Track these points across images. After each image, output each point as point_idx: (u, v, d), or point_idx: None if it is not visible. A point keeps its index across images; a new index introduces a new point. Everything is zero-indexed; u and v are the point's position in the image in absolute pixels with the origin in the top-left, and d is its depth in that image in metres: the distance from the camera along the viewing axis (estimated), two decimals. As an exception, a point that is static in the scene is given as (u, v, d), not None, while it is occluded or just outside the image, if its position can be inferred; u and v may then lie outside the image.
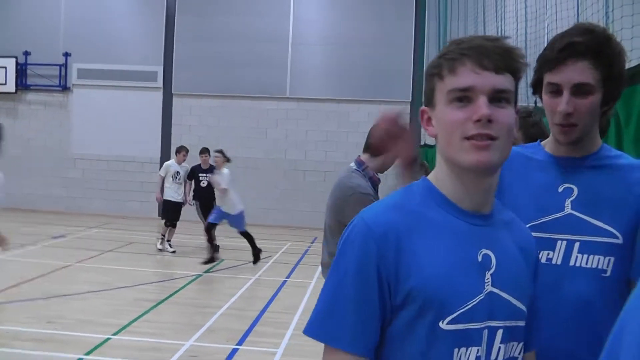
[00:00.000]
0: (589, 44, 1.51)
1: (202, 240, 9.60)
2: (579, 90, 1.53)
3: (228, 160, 9.43)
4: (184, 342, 5.37)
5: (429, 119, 1.23)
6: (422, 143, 10.61)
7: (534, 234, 1.40)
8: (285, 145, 14.53)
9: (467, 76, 1.13)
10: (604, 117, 1.67)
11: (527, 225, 1.42)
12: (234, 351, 5.25)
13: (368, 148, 3.23)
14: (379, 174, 3.25)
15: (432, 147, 11.37)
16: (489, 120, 1.11)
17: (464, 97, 1.14)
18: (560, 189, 1.63)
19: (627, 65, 1.68)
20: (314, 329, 1.18)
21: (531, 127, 2.61)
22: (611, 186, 1.59)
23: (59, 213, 15.02)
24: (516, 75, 1.17)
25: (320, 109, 14.52)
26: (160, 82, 15.21)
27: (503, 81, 1.14)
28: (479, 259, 1.18)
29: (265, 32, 14.62)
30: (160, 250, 10.15)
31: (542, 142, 1.75)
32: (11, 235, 11.38)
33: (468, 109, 1.13)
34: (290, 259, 10.03)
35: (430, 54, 12.93)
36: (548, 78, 1.58)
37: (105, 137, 15.27)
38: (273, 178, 14.43)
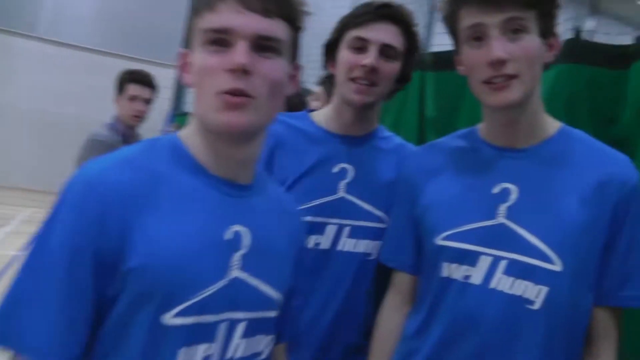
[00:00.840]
0: (401, 12, 1.51)
1: None
2: (386, 52, 1.48)
3: None
4: None
5: (187, 64, 1.02)
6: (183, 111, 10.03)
7: (304, 217, 1.32)
8: (40, 94, 12.59)
9: (227, 15, 0.94)
10: (390, 95, 1.58)
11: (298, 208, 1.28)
12: None
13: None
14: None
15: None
16: (245, 71, 0.92)
17: (220, 39, 0.94)
18: (335, 169, 1.53)
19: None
20: None
21: (294, 96, 2.42)
22: (386, 169, 1.56)
23: None
24: (293, 23, 1.00)
25: (84, 60, 12.79)
26: None
27: (271, 27, 0.96)
28: (227, 236, 0.98)
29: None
30: None
31: (312, 114, 1.66)
32: None
33: (224, 54, 0.94)
34: (27, 228, 8.73)
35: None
36: (354, 33, 1.49)
37: None
38: (23, 133, 12.45)
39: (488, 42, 1.14)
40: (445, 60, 2.42)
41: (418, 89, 2.72)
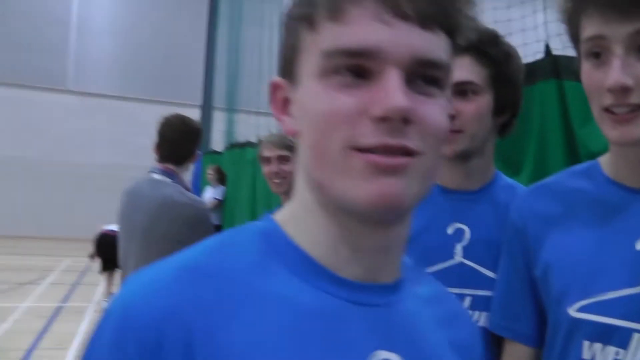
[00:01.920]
0: (471, 40, 1.31)
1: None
2: (462, 90, 1.27)
3: None
4: None
5: (286, 101, 0.67)
6: (210, 149, 10.40)
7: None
8: (66, 145, 13.23)
9: (367, 27, 0.58)
10: (502, 132, 1.38)
11: None
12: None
13: (175, 156, 2.68)
14: None
15: (220, 154, 11.24)
16: (405, 120, 0.58)
17: (355, 66, 0.59)
18: (449, 230, 1.32)
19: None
20: None
21: None
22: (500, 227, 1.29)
23: None
24: (455, 34, 0.64)
25: (106, 107, 13.47)
26: None
27: (434, 45, 0.60)
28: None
29: (44, 10, 13.12)
30: None
31: None
32: None
33: (364, 91, 0.59)
34: (68, 278, 9.18)
35: (222, 56, 12.79)
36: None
37: None
38: (51, 183, 13.05)
39: (609, 61, 0.90)
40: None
41: (557, 100, 2.32)
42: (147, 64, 13.52)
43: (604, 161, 1.07)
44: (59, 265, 10.02)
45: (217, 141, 12.16)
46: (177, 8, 13.68)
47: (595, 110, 0.95)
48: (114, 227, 6.84)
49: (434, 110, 0.61)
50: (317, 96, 0.61)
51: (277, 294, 0.62)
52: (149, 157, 9.33)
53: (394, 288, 0.69)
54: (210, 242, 0.67)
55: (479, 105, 1.27)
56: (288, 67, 0.66)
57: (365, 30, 0.58)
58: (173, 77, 13.56)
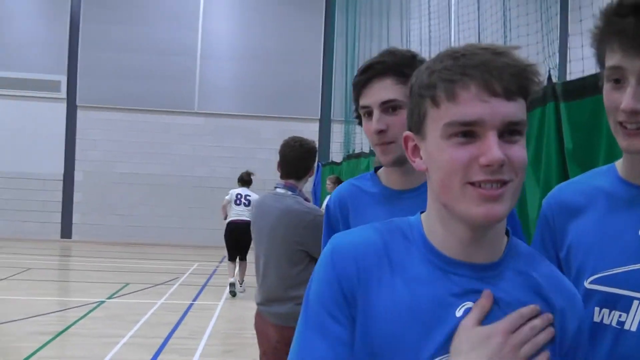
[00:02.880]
0: (389, 63, 1.53)
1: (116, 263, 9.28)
2: (388, 107, 1.52)
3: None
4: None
5: (416, 148, 1.02)
6: (330, 160, 10.77)
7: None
8: (193, 162, 14.31)
9: (473, 105, 0.89)
10: None
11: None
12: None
13: (294, 172, 3.16)
14: None
15: (339, 164, 11.60)
16: (501, 164, 0.89)
17: (467, 131, 0.91)
18: None
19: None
20: None
21: None
22: None
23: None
24: (528, 98, 0.94)
25: (228, 125, 14.42)
26: (63, 93, 14.60)
27: (516, 110, 0.91)
28: (458, 314, 0.96)
29: (173, 45, 14.39)
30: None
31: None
32: None
33: (473, 146, 0.91)
34: (197, 280, 9.89)
35: (338, 70, 13.21)
36: (361, 103, 1.57)
37: (2, 151, 14.46)
38: (181, 196, 14.18)
39: (625, 87, 1.12)
40: (578, 89, 2.44)
41: (554, 121, 2.67)
42: (266, 83, 14.26)
43: (619, 164, 1.29)
44: (187, 269, 10.77)
45: (336, 152, 12.62)
46: (293, 27, 14.36)
47: (612, 123, 1.19)
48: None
49: (518, 150, 0.92)
50: (442, 151, 0.93)
51: (410, 266, 0.99)
52: (269, 171, 9.88)
53: (489, 266, 0.99)
54: (384, 225, 1.06)
55: (403, 118, 1.38)
56: (416, 126, 1.00)
57: (471, 107, 0.89)
58: (292, 93, 14.21)
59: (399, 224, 1.06)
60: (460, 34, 9.57)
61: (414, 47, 9.19)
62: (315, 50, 14.45)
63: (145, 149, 14.37)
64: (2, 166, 14.49)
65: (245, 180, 9.04)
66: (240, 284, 9.00)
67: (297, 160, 3.13)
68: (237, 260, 8.87)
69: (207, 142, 14.41)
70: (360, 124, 1.64)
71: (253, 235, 3.22)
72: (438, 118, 0.93)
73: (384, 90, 1.52)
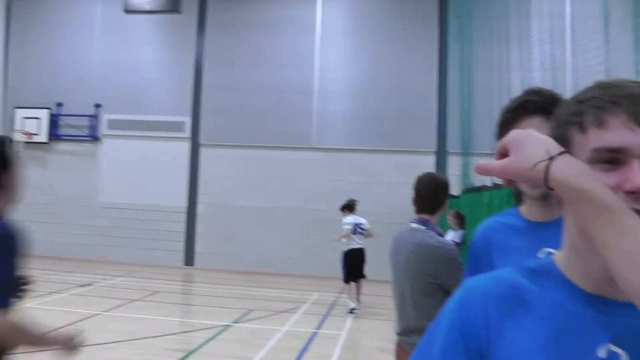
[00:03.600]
0: (538, 102, 1.57)
1: (237, 290, 9.47)
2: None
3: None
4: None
5: None
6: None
7: None
8: (310, 195, 14.47)
9: (621, 133, 0.89)
10: None
11: None
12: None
13: (427, 207, 3.24)
14: None
15: (457, 197, 11.23)
16: None
17: (612, 158, 0.90)
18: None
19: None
20: None
21: None
22: None
23: (85, 261, 15.11)
24: None
25: (345, 159, 14.52)
26: (187, 132, 15.40)
27: None
28: (601, 354, 0.90)
29: (290, 83, 14.83)
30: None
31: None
32: (39, 283, 11.41)
33: (617, 173, 0.89)
34: (319, 309, 9.82)
35: (453, 103, 12.97)
36: None
37: (132, 186, 15.47)
38: (299, 228, 14.35)
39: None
40: None
41: None
42: (381, 117, 14.29)
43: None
44: (309, 298, 10.76)
45: (453, 185, 12.30)
46: (406, 60, 14.38)
47: None
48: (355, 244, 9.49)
49: None
50: None
51: (550, 302, 0.94)
52: (384, 205, 9.96)
53: (628, 305, 0.90)
54: (517, 267, 1.02)
55: None
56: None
57: (619, 135, 0.89)
58: (407, 126, 14.13)
59: (532, 264, 1.02)
60: (583, 61, 9.11)
61: (535, 74, 8.86)
62: (429, 82, 14.33)
63: (264, 183, 14.75)
64: (133, 199, 15.44)
65: (353, 207, 9.86)
66: (358, 302, 9.57)
67: (430, 195, 3.22)
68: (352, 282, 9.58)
69: (324, 176, 14.54)
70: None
71: (391, 267, 3.32)
72: (585, 144, 0.92)
73: (534, 128, 1.40)
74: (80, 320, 8.10)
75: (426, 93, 14.30)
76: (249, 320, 8.77)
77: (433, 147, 14.13)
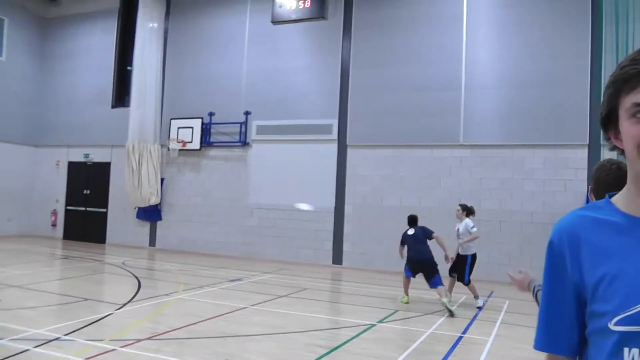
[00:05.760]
0: None
1: (372, 289, 9.29)
2: None
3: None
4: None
5: (617, 133, 1.31)
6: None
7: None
8: (459, 193, 13.85)
9: None
10: None
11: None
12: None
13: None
14: None
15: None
16: None
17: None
18: None
19: None
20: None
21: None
22: None
23: (236, 258, 15.83)
24: None
25: (494, 156, 13.72)
26: (335, 134, 15.50)
27: None
28: None
29: (437, 80, 14.36)
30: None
31: (614, 199, 1.39)
32: (194, 277, 12.09)
33: None
34: (466, 313, 9.29)
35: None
36: (631, 99, 1.24)
37: (281, 187, 15.92)
38: (446, 227, 13.76)
39: None
40: None
41: None
42: (531, 110, 13.35)
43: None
44: (457, 300, 10.25)
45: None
46: (556, 49, 13.26)
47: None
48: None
49: None
50: (628, 129, 1.24)
51: (607, 224, 1.32)
52: (535, 203, 9.27)
53: None
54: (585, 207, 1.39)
55: None
56: (614, 114, 1.31)
57: None
58: (557, 119, 13.06)
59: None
60: None
61: None
62: (581, 70, 13.01)
63: (411, 182, 14.42)
64: (281, 200, 15.89)
65: (473, 212, 10.26)
66: (476, 298, 9.95)
67: (612, 184, 2.71)
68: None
69: (472, 174, 13.88)
70: (605, 129, 1.37)
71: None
72: (627, 101, 1.26)
73: None
74: (229, 313, 8.37)
75: (578, 82, 13.05)
76: (394, 320, 8.52)
77: (585, 140, 12.86)
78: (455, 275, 9.91)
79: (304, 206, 15.58)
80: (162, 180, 17.77)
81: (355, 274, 13.76)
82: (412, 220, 10.55)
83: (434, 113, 14.28)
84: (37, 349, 5.96)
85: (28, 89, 20.21)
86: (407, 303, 9.80)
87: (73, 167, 19.84)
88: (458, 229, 10.00)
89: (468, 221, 9.91)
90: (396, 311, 9.13)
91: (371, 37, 15.29)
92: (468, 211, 10.07)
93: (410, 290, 10.14)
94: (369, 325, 8.00)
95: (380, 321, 8.35)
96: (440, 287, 9.24)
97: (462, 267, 9.81)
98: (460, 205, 10.26)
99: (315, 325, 7.97)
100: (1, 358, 5.62)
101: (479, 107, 13.95)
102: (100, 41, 19.55)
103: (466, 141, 13.96)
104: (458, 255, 9.90)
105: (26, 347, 5.99)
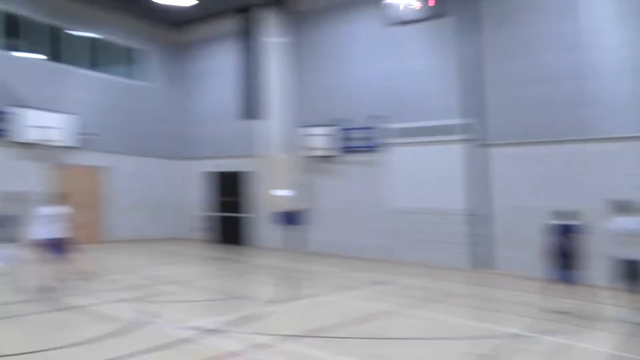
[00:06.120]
0: None
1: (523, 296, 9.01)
2: None
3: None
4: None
5: None
6: None
7: None
8: (605, 192, 12.75)
9: None
10: None
11: None
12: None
13: None
14: None
15: None
16: None
17: None
18: None
19: None
20: None
21: None
22: None
23: (378, 261, 16.16)
24: None
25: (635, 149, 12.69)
26: (470, 134, 15.17)
27: None
28: None
29: (580, 66, 13.40)
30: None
31: None
32: (340, 279, 12.58)
33: None
34: (616, 326, 8.53)
35: None
36: None
37: (418, 190, 16.04)
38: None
39: None
40: None
41: None
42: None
43: None
44: (607, 312, 9.58)
45: None
46: None
47: None
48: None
49: None
50: None
51: None
52: None
53: None
54: None
55: None
56: None
57: None
58: None
59: None
60: None
61: None
62: None
63: (556, 181, 13.65)
64: (421, 202, 15.98)
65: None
66: None
67: None
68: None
69: (621, 170, 12.89)
70: None
71: None
72: None
73: None
74: (374, 314, 8.72)
75: None
76: (547, 332, 8.14)
77: None
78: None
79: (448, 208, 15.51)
80: (301, 186, 18.59)
81: (507, 280, 13.30)
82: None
83: (571, 105, 13.47)
84: (205, 340, 6.87)
85: (171, 109, 23.27)
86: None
87: (214, 176, 21.79)
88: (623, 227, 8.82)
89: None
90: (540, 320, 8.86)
91: (503, 27, 14.74)
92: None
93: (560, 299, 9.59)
94: (519, 336, 7.75)
95: (534, 332, 8.00)
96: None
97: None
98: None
99: (464, 332, 7.91)
100: (175, 342, 6.69)
101: (612, 97, 12.88)
102: (227, 60, 21.82)
103: (608, 134, 12.94)
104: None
105: (200, 336, 6.86)
